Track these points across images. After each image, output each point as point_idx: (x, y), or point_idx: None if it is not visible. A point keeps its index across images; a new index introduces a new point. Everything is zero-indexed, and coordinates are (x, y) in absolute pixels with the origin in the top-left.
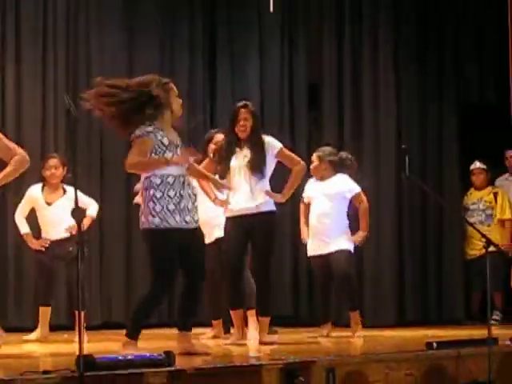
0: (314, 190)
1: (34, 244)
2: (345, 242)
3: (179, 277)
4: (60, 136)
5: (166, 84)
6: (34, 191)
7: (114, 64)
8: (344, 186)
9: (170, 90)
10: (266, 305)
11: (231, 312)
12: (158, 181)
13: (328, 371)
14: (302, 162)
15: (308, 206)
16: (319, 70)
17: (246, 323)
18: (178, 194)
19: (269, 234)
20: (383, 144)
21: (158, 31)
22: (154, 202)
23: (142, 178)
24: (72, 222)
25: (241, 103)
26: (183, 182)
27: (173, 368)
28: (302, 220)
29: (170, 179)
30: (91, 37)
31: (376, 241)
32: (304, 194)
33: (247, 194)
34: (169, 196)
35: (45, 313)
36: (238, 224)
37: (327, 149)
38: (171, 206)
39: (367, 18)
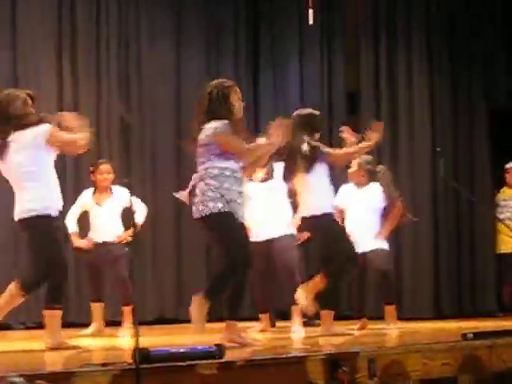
0: (350, 197)
1: (77, 242)
2: (380, 242)
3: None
4: (114, 142)
5: (227, 86)
6: (86, 195)
7: (163, 73)
8: (379, 194)
9: (231, 91)
10: (328, 299)
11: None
12: (216, 171)
13: (369, 361)
14: None
15: (341, 211)
16: (357, 79)
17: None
18: (231, 188)
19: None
20: (418, 147)
21: (204, 42)
22: (212, 190)
23: (200, 168)
24: (120, 224)
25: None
26: (236, 177)
27: (223, 360)
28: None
29: (227, 172)
30: (142, 48)
31: (413, 239)
32: (338, 200)
33: None
34: (225, 188)
35: (96, 308)
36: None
37: (368, 157)
38: (227, 197)
39: (401, 26)
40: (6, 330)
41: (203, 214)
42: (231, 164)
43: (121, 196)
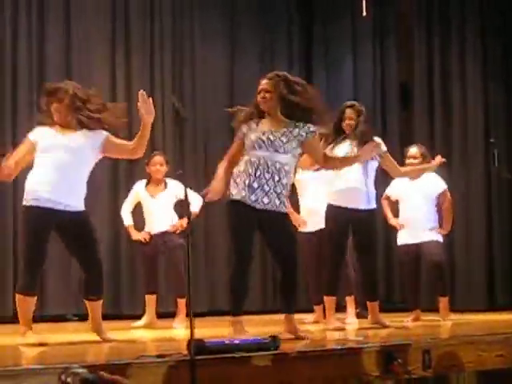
0: (405, 186)
1: (135, 235)
2: (435, 233)
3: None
4: (168, 135)
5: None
6: (139, 186)
7: (215, 73)
8: (434, 182)
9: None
10: (375, 291)
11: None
12: (243, 159)
13: (424, 353)
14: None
15: (394, 202)
16: (410, 70)
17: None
18: (261, 176)
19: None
20: (471, 139)
21: (258, 44)
22: (234, 177)
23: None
24: (174, 215)
25: (348, 103)
26: (269, 166)
27: (278, 351)
28: (386, 211)
29: (253, 159)
30: (195, 49)
31: (467, 230)
32: (390, 191)
33: None
34: (248, 173)
35: (150, 300)
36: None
37: (423, 147)
38: (247, 182)
39: (455, 16)
40: (58, 322)
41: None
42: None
43: (174, 188)
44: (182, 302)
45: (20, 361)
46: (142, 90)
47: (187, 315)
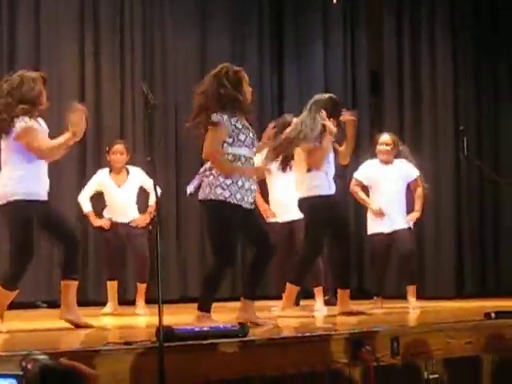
0: (377, 172)
1: (97, 221)
2: (405, 222)
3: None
4: (138, 123)
5: (237, 72)
6: (102, 175)
7: (187, 58)
8: (405, 170)
9: (242, 78)
10: (347, 278)
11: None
12: (231, 158)
13: (392, 340)
14: None
15: (365, 187)
16: (380, 57)
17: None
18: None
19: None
20: (441, 125)
21: (229, 26)
22: (224, 176)
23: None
24: (135, 205)
25: None
26: (250, 164)
27: (246, 338)
28: (364, 197)
29: (242, 159)
30: (166, 32)
31: (436, 217)
32: (361, 176)
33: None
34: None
35: (112, 287)
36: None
37: (394, 135)
38: (239, 183)
39: (425, 3)
40: (27, 309)
41: (205, 197)
42: (244, 151)
43: (137, 175)
44: (142, 288)
45: None
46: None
47: (147, 301)
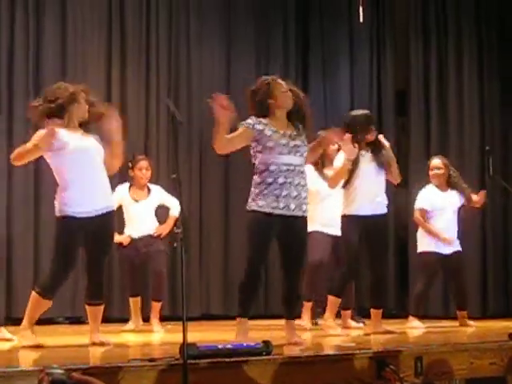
0: (437, 198)
1: (116, 237)
2: (458, 244)
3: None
4: (162, 139)
5: (268, 80)
6: (122, 190)
7: (212, 73)
8: (457, 195)
9: (273, 84)
10: (381, 299)
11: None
12: (262, 167)
13: (416, 360)
14: None
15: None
16: (407, 77)
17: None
18: (279, 182)
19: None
20: (467, 145)
21: (254, 43)
22: (255, 187)
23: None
24: (155, 220)
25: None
26: (290, 171)
27: (270, 356)
28: (430, 227)
29: (272, 167)
30: (191, 47)
31: (461, 238)
32: (426, 204)
33: None
34: (267, 182)
35: (135, 303)
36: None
37: (444, 158)
38: (274, 191)
39: (452, 23)
40: (51, 325)
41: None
42: (276, 158)
43: (157, 193)
44: (157, 306)
45: (15, 363)
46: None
47: (165, 318)
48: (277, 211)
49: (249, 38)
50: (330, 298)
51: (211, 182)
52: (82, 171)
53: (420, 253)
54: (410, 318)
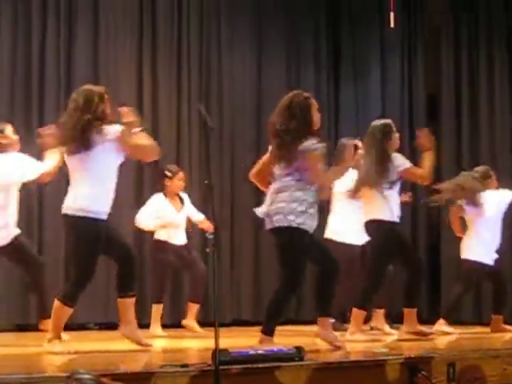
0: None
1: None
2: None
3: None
4: (194, 146)
5: (306, 99)
6: (160, 200)
7: (243, 79)
8: (500, 201)
9: (311, 104)
10: (415, 297)
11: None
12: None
13: (448, 366)
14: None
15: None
16: (438, 81)
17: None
18: (313, 201)
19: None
20: (499, 149)
21: (285, 48)
22: (298, 202)
23: (285, 177)
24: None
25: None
26: (314, 190)
27: (302, 362)
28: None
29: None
30: (222, 53)
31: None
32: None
33: None
34: (307, 201)
35: (159, 310)
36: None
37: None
38: (311, 210)
39: (483, 30)
40: (83, 330)
41: (277, 224)
42: None
43: (187, 202)
44: (194, 306)
45: (47, 368)
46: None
47: (198, 322)
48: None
49: (280, 44)
50: (354, 310)
51: (242, 187)
52: None
53: (465, 260)
54: (441, 320)
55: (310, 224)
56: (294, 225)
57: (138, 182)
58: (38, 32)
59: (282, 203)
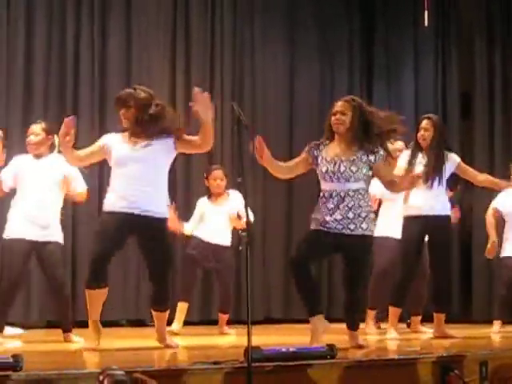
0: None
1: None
2: None
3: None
4: (226, 144)
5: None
6: (203, 202)
7: (276, 79)
8: None
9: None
10: (445, 303)
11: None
12: (321, 194)
13: (481, 365)
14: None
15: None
16: (471, 80)
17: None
18: (330, 207)
19: (445, 237)
20: None
21: (318, 48)
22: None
23: None
24: (229, 230)
25: (425, 115)
26: (339, 197)
27: (334, 360)
28: (492, 232)
29: (326, 194)
30: (255, 53)
31: None
32: (499, 205)
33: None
34: (325, 207)
35: (184, 309)
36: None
37: None
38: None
39: None
40: (115, 327)
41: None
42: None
43: (236, 200)
44: (223, 318)
45: (77, 365)
46: (196, 88)
47: (229, 321)
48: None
49: (313, 44)
50: (390, 308)
51: (275, 187)
52: None
53: (502, 258)
54: (494, 322)
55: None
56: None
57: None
58: (72, 29)
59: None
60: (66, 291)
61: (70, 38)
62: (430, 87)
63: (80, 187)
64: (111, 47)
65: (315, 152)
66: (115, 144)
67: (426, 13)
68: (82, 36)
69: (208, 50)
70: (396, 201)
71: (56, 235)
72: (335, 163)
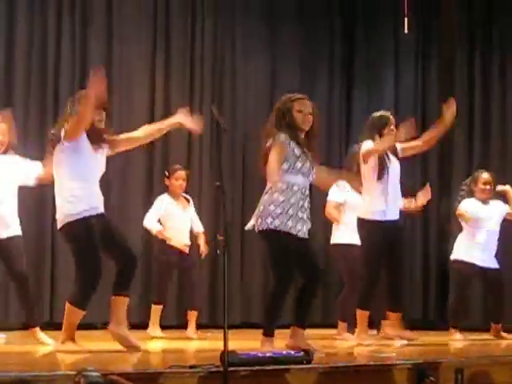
0: (483, 212)
1: (176, 242)
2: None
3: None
4: (205, 146)
5: (290, 100)
6: (167, 199)
7: (256, 84)
8: (501, 206)
9: (292, 107)
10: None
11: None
12: (284, 186)
13: (456, 371)
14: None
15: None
16: (451, 88)
17: None
18: (298, 203)
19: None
20: (510, 158)
21: (298, 52)
22: (275, 205)
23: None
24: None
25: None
26: (304, 193)
27: (310, 365)
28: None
29: (295, 188)
30: (236, 57)
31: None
32: (467, 208)
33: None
34: (290, 202)
35: (158, 311)
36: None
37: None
38: (290, 212)
39: (496, 36)
40: (90, 330)
41: (259, 228)
42: (298, 179)
43: (192, 205)
44: (192, 314)
45: (52, 366)
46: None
47: (202, 326)
48: None
49: (293, 48)
50: (357, 311)
51: (254, 190)
52: None
53: (454, 261)
54: (451, 330)
55: (293, 226)
56: (272, 227)
57: (148, 180)
58: (53, 33)
59: (261, 206)
60: (28, 284)
61: (51, 42)
62: (410, 93)
63: (32, 172)
64: (92, 51)
65: (289, 144)
66: None
67: (406, 20)
68: (62, 41)
69: (188, 55)
70: (357, 208)
71: (17, 229)
72: (301, 159)
